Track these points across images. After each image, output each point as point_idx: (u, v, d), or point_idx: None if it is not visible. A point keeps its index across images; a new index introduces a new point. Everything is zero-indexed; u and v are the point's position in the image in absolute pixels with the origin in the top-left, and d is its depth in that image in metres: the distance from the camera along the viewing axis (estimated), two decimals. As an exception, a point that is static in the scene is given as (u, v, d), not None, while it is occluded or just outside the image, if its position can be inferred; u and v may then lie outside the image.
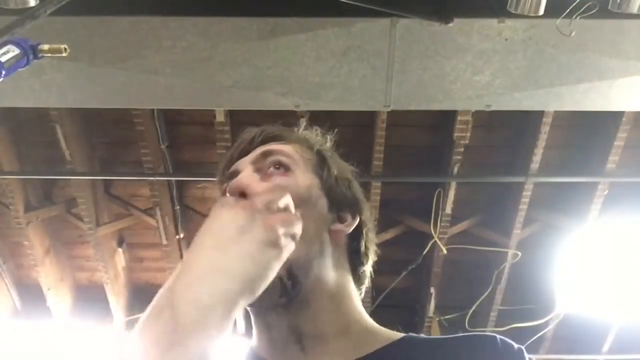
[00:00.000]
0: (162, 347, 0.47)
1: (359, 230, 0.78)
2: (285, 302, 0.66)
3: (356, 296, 0.76)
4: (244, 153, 0.79)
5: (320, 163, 0.78)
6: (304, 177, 0.74)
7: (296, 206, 0.64)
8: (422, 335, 0.74)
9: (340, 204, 0.76)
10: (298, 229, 0.58)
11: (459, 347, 0.69)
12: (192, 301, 0.49)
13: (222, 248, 0.53)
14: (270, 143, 0.79)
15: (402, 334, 0.73)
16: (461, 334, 0.73)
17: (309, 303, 0.69)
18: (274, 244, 0.54)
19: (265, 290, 0.57)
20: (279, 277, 0.61)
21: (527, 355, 0.68)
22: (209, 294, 0.50)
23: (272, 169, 0.73)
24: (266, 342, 0.72)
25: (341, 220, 0.76)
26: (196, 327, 0.48)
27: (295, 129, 0.85)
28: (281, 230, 0.55)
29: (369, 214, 0.81)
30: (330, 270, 0.72)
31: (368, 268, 0.80)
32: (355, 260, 0.77)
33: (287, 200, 0.60)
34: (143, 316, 0.50)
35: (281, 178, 0.72)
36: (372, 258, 0.80)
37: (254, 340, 0.75)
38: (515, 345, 0.68)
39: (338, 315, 0.71)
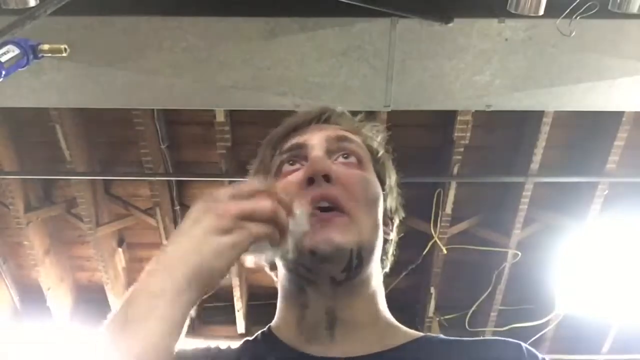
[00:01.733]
0: (115, 336, 0.50)
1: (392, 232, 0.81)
2: (343, 279, 0.67)
3: (383, 290, 0.77)
4: (304, 126, 0.78)
5: (381, 168, 0.79)
6: (372, 174, 0.75)
7: (369, 199, 0.70)
8: (441, 335, 0.74)
9: (390, 211, 0.79)
10: (261, 214, 0.56)
11: (482, 350, 0.69)
12: (142, 292, 0.52)
13: (173, 242, 0.55)
14: (338, 126, 0.78)
15: (421, 333, 0.73)
16: (484, 338, 0.73)
17: (355, 290, 0.70)
18: (224, 231, 0.54)
19: (333, 260, 0.64)
20: (349, 251, 0.65)
21: None
22: (156, 284, 0.52)
23: (341, 157, 0.73)
24: (294, 324, 0.71)
25: (385, 224, 0.78)
26: (145, 315, 0.50)
27: (359, 119, 0.84)
28: (233, 217, 0.54)
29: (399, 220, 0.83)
30: (377, 265, 0.74)
31: (388, 266, 0.82)
32: (383, 260, 0.79)
33: (253, 187, 0.58)
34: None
35: (354, 168, 0.73)
36: (390, 260, 0.82)
37: (276, 322, 0.75)
38: (540, 356, 0.68)
39: (372, 306, 0.73)
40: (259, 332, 0.76)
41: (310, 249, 0.64)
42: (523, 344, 0.68)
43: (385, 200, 0.77)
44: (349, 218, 0.67)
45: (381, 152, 0.81)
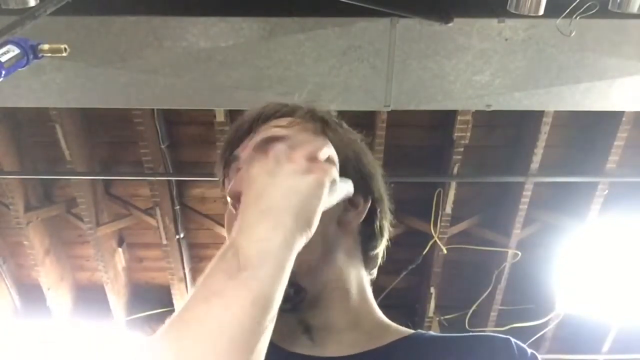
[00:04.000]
0: (228, 277, 0.49)
1: (372, 210, 0.72)
2: (290, 308, 0.64)
3: (367, 287, 0.73)
4: (244, 135, 0.74)
5: (325, 133, 0.72)
6: None
7: None
8: (432, 332, 0.73)
9: (355, 188, 0.68)
10: (326, 152, 0.57)
11: (471, 346, 0.68)
12: (251, 238, 0.51)
13: (262, 194, 0.53)
14: (271, 120, 0.73)
15: (412, 330, 0.72)
16: (473, 334, 0.71)
17: (318, 302, 0.67)
18: (307, 171, 0.54)
19: None
20: None
21: None
22: (265, 230, 0.51)
23: None
24: (274, 328, 0.70)
25: (353, 204, 0.70)
26: (258, 259, 0.49)
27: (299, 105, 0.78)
28: (306, 158, 0.55)
29: (383, 186, 0.75)
30: (340, 268, 0.69)
31: (382, 247, 0.76)
32: (367, 244, 0.73)
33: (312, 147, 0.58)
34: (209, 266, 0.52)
35: None
36: (386, 236, 0.76)
37: None
38: (529, 351, 0.67)
39: (348, 310, 0.70)
40: None
41: None
42: (512, 339, 0.68)
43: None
44: None
45: (319, 116, 0.74)
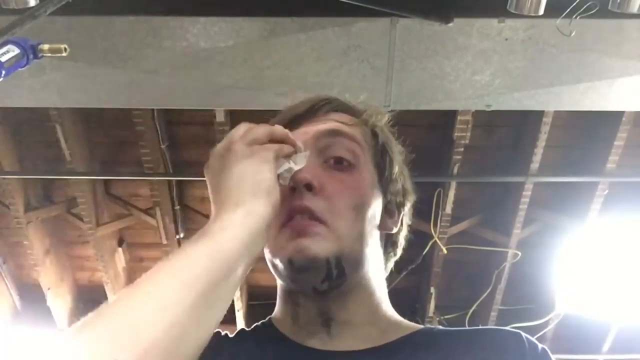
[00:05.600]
0: (191, 243, 0.56)
1: (400, 222, 0.78)
2: (325, 289, 0.66)
3: (385, 287, 0.76)
4: (298, 120, 0.76)
5: (383, 156, 0.76)
6: (366, 174, 0.72)
7: (354, 207, 0.68)
8: (440, 327, 0.74)
9: (394, 200, 0.76)
10: (264, 134, 0.64)
11: (481, 340, 0.68)
12: (216, 218, 0.59)
13: (219, 189, 0.62)
14: (334, 113, 0.76)
15: (421, 326, 0.73)
16: (483, 327, 0.72)
17: (346, 295, 0.69)
18: (249, 155, 0.61)
19: (310, 270, 0.64)
20: (326, 261, 0.65)
21: (551, 356, 0.66)
22: (228, 211, 0.59)
23: (332, 160, 0.71)
24: (290, 320, 0.71)
25: (390, 214, 0.76)
26: (220, 229, 0.57)
27: (359, 104, 0.81)
28: (247, 144, 0.63)
29: (411, 202, 0.80)
30: (373, 268, 0.72)
31: (398, 255, 0.80)
32: (389, 251, 0.77)
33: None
34: None
35: (343, 173, 0.71)
36: (403, 246, 0.80)
37: (276, 314, 0.75)
38: (540, 346, 0.67)
39: (370, 307, 0.72)
40: (259, 322, 0.76)
41: (288, 259, 0.65)
42: (523, 334, 0.68)
43: (386, 190, 0.75)
44: (327, 227, 0.65)
45: (382, 137, 0.77)
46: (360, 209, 0.69)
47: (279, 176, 0.64)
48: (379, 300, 0.73)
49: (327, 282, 0.66)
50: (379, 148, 0.76)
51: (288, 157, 0.66)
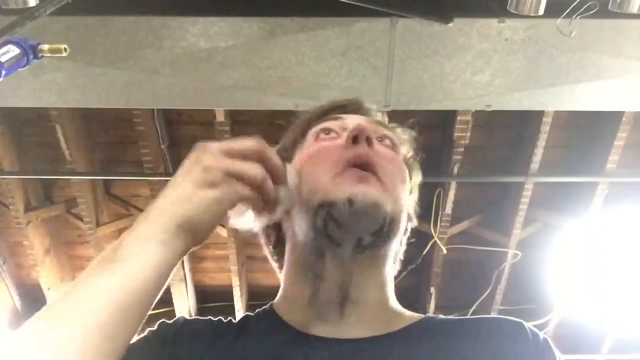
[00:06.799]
0: (102, 268, 0.53)
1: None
2: (369, 243, 0.65)
3: (392, 276, 0.77)
4: (339, 111, 0.77)
5: (409, 168, 0.77)
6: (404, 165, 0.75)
7: (402, 180, 0.68)
8: (441, 315, 0.75)
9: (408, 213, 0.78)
10: (248, 179, 0.57)
11: (483, 328, 0.68)
12: (133, 236, 0.54)
13: (165, 193, 0.57)
14: (367, 114, 0.78)
15: (423, 315, 0.74)
16: (484, 316, 0.72)
17: (371, 268, 0.69)
18: (211, 184, 0.55)
19: (367, 215, 0.62)
20: (385, 213, 0.63)
21: (553, 346, 0.67)
22: (147, 229, 0.54)
23: (377, 140, 0.72)
24: (304, 300, 0.68)
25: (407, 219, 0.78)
26: (135, 255, 0.53)
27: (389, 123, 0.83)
28: (221, 172, 0.55)
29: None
30: (395, 249, 0.73)
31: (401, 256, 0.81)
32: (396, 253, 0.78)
33: (246, 145, 0.59)
34: None
35: (390, 150, 0.72)
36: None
37: (280, 300, 0.73)
38: (541, 335, 0.67)
39: (382, 291, 0.72)
40: (261, 309, 0.74)
41: (349, 198, 0.62)
42: (525, 323, 0.68)
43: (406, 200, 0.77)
44: (385, 186, 0.65)
45: (410, 152, 0.80)
46: (404, 185, 0.70)
47: (259, 206, 0.59)
48: (390, 287, 0.74)
49: (374, 236, 0.65)
50: (407, 159, 0.78)
51: (253, 203, 0.59)
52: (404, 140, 0.80)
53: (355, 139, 0.66)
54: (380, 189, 0.64)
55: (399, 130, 0.81)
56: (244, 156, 0.58)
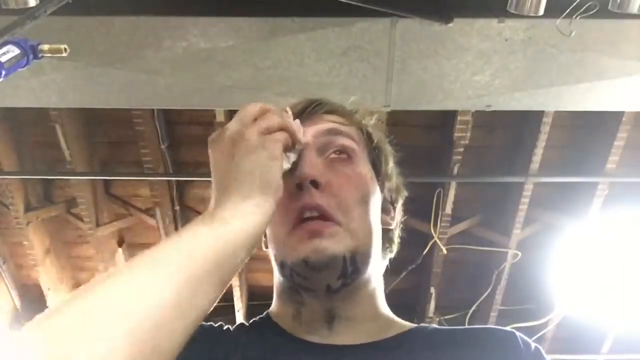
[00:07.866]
0: (203, 224, 0.57)
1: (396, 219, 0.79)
2: (339, 287, 0.67)
3: (382, 284, 0.76)
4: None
5: (378, 154, 0.77)
6: (364, 169, 0.73)
7: (361, 200, 0.69)
8: (435, 325, 0.75)
9: (390, 197, 0.78)
10: (273, 123, 0.64)
11: (474, 338, 0.68)
12: (225, 206, 0.60)
13: (227, 177, 0.64)
14: (328, 115, 0.76)
15: (415, 324, 0.74)
16: (476, 326, 0.72)
17: (353, 293, 0.69)
18: (260, 146, 0.61)
19: (326, 269, 0.65)
20: (342, 259, 0.65)
21: (544, 355, 0.66)
22: (236, 201, 0.59)
23: (333, 154, 0.71)
24: (290, 316, 0.71)
25: (386, 211, 0.77)
26: (231, 217, 0.58)
27: (351, 102, 0.82)
28: (255, 135, 0.62)
29: (403, 199, 0.82)
30: (377, 263, 0.73)
31: (395, 250, 0.81)
32: (386, 247, 0.78)
33: (255, 109, 0.68)
34: None
35: (345, 166, 0.71)
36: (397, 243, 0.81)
37: (273, 309, 0.75)
38: (533, 345, 0.67)
39: (372, 303, 0.73)
40: (257, 317, 0.76)
41: (303, 259, 0.64)
42: (516, 332, 0.68)
43: (382, 187, 0.76)
44: (340, 226, 0.66)
45: (375, 136, 0.78)
46: (366, 201, 0.70)
47: None
48: (380, 296, 0.74)
49: (341, 279, 0.66)
50: (373, 147, 0.77)
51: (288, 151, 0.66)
52: (366, 124, 0.78)
53: (299, 186, 0.66)
54: (334, 234, 0.65)
55: (360, 113, 0.79)
56: (256, 117, 0.65)
